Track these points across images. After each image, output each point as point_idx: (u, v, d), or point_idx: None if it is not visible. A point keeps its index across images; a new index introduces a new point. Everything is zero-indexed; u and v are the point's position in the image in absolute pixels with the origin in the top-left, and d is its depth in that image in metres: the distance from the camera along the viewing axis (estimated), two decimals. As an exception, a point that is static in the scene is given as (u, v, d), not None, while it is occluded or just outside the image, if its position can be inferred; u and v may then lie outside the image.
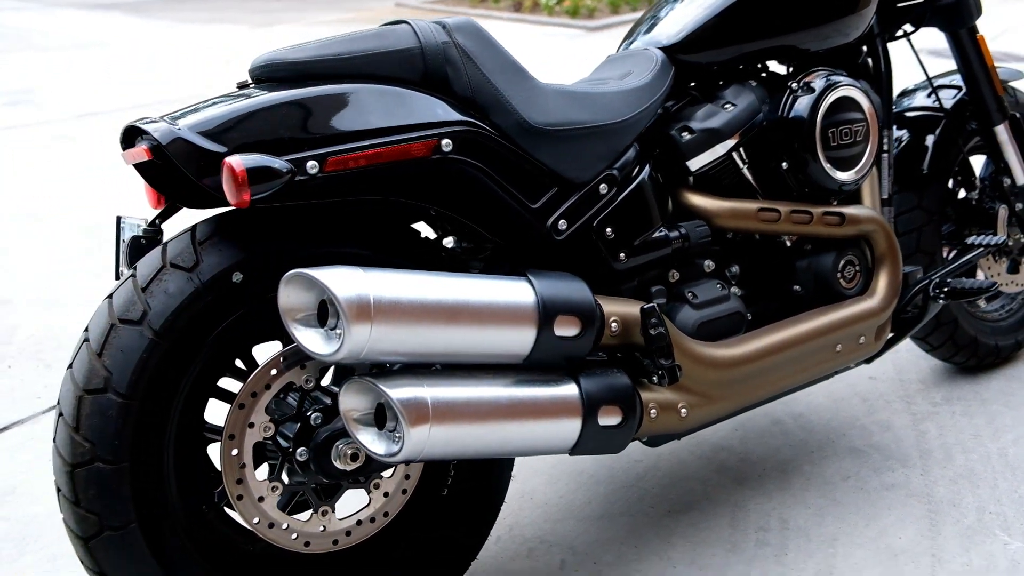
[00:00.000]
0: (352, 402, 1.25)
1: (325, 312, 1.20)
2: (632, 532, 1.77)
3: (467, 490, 1.51)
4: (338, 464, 1.32)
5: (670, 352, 1.40)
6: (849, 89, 1.71)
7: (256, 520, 1.34)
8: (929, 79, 2.09)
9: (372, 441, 1.23)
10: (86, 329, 1.27)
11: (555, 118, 1.45)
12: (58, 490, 1.25)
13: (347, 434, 1.31)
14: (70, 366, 1.26)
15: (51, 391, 2.30)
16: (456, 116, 1.36)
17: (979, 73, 2.04)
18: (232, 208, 1.34)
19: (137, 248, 1.44)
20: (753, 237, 1.73)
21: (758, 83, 1.75)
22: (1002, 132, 2.10)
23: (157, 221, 1.47)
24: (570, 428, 1.34)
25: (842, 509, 1.82)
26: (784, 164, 1.69)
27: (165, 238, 1.36)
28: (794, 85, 1.70)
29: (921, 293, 1.85)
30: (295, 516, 1.38)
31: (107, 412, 1.21)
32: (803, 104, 1.68)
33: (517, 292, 1.31)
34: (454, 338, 1.25)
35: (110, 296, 1.28)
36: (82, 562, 1.26)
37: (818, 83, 1.70)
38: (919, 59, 2.05)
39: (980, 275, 2.15)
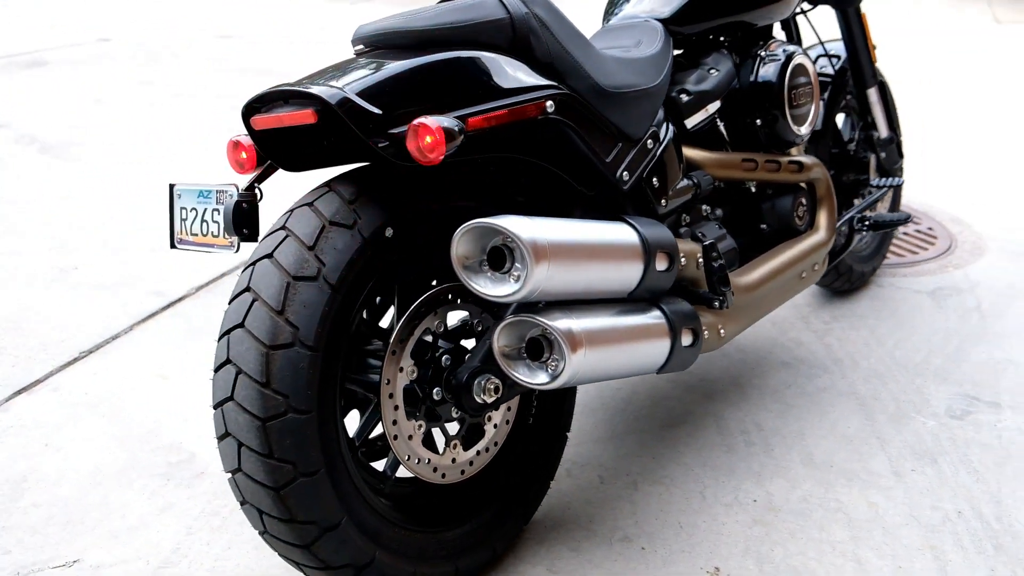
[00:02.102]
0: (506, 339, 1.39)
1: (498, 258, 1.32)
2: (643, 446, 2.03)
3: (546, 418, 1.69)
4: (479, 398, 1.45)
5: (728, 280, 1.66)
6: (801, 57, 2.04)
7: (407, 457, 1.44)
8: (823, 45, 2.49)
9: (528, 372, 1.38)
10: (247, 289, 1.30)
11: (617, 81, 1.64)
12: (239, 446, 1.29)
13: (486, 371, 1.45)
14: (239, 325, 1.29)
15: (7, 379, 2.17)
16: (546, 81, 1.51)
17: (860, 45, 2.47)
18: (354, 167, 1.43)
19: (240, 212, 1.48)
20: (720, 185, 2.02)
21: (727, 52, 2.03)
22: (873, 94, 2.54)
23: (255, 185, 1.51)
24: (663, 348, 1.56)
25: (797, 410, 2.19)
26: (758, 120, 2.00)
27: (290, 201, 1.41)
28: (763, 54, 2.01)
29: (846, 226, 2.24)
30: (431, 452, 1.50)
31: (298, 365, 1.26)
32: (772, 70, 1.99)
33: (627, 233, 1.50)
34: (592, 273, 1.42)
35: (269, 256, 1.31)
36: (262, 513, 1.31)
37: (780, 52, 2.01)
38: (815, 31, 2.44)
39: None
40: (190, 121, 4.56)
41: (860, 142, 2.62)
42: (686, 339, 1.61)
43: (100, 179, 3.63)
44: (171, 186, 1.62)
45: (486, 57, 1.45)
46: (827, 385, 2.30)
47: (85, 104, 4.45)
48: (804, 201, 2.11)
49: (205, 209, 1.57)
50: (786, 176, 2.04)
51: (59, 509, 1.75)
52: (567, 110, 1.52)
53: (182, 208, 1.60)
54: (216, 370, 1.32)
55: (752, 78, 1.99)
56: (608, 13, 2.06)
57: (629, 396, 2.23)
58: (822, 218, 2.14)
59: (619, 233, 1.49)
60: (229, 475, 1.34)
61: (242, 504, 1.34)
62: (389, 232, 1.37)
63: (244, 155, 1.50)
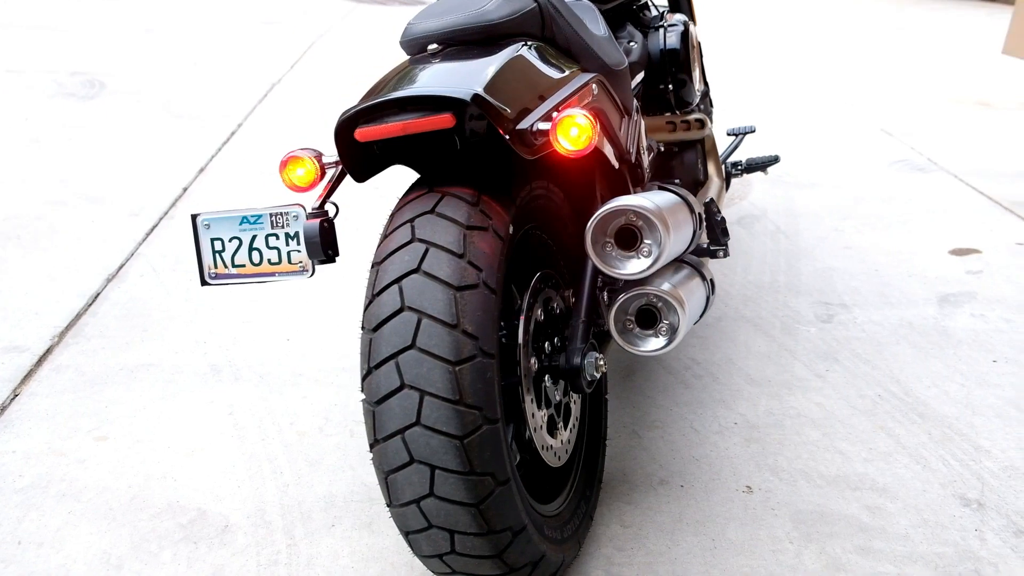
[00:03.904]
0: (620, 315, 1.46)
1: (628, 238, 1.38)
2: (620, 399, 2.18)
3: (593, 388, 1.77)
4: (590, 375, 1.50)
5: (728, 231, 1.84)
6: (690, 25, 2.26)
7: (542, 446, 1.46)
8: (655, 8, 2.73)
9: (646, 339, 1.47)
10: (406, 308, 1.24)
11: (612, 60, 1.73)
12: (432, 470, 1.23)
13: (590, 350, 1.51)
14: (411, 347, 1.22)
15: None
16: (573, 64, 1.57)
17: (685, 8, 2.75)
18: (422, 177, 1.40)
19: (324, 233, 1.39)
20: None
21: (633, 26, 2.19)
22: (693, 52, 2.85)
23: (326, 205, 1.41)
24: (703, 297, 1.71)
25: (713, 340, 2.46)
26: (670, 85, 2.19)
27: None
28: (664, 24, 2.19)
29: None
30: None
31: (485, 375, 1.24)
32: (675, 38, 2.18)
33: (676, 199, 1.62)
34: (680, 240, 1.52)
35: (416, 271, 1.25)
36: (454, 534, 1.27)
37: (676, 22, 2.22)
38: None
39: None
40: None
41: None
42: (710, 288, 1.77)
43: None
44: (193, 217, 1.45)
45: (546, 48, 1.48)
46: (720, 315, 2.60)
47: None
48: (699, 154, 2.35)
49: (254, 236, 1.43)
50: (694, 133, 2.26)
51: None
52: (601, 90, 1.59)
53: (215, 239, 1.44)
54: (380, 401, 1.24)
55: (661, 47, 2.17)
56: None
57: (573, 357, 2.35)
58: (712, 167, 2.40)
59: (673, 199, 1.61)
60: (404, 506, 1.27)
61: (420, 532, 1.29)
62: (511, 229, 1.37)
63: (302, 171, 1.40)
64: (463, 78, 1.29)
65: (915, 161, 4.22)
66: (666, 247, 1.37)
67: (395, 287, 1.26)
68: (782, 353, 2.40)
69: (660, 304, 1.46)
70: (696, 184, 2.31)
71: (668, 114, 2.21)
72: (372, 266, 1.31)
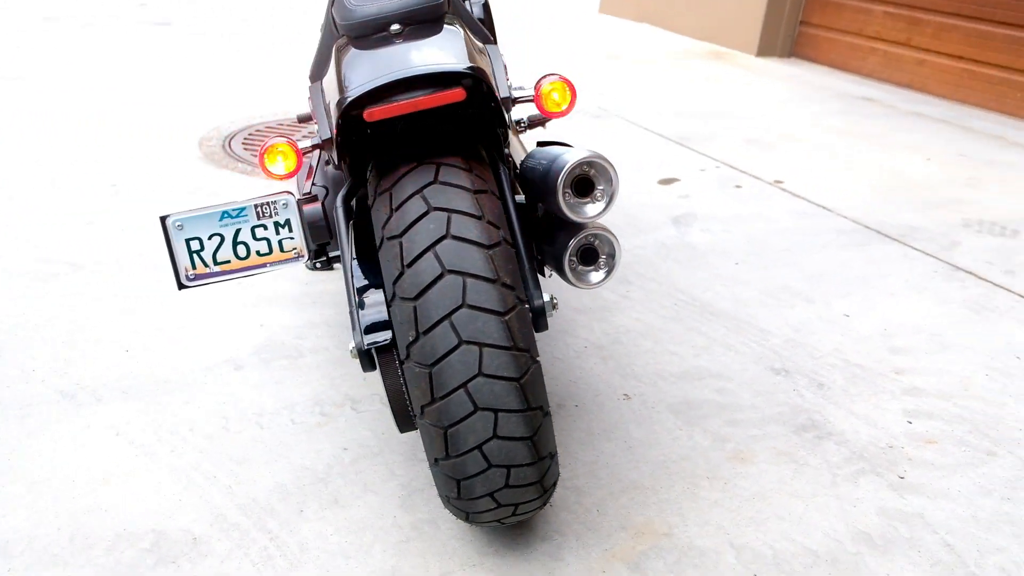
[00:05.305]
0: (571, 254, 1.66)
1: (584, 187, 1.57)
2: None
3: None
4: (549, 313, 1.68)
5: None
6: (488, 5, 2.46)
7: (528, 386, 1.62)
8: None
9: (594, 274, 1.69)
10: (447, 272, 1.33)
11: (487, 33, 1.89)
12: (496, 413, 1.35)
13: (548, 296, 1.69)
14: (461, 306, 1.32)
15: None
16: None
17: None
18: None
19: (327, 217, 1.43)
20: None
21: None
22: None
23: (316, 185, 1.44)
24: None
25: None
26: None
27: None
28: (475, 9, 2.36)
29: (511, 132, 2.77)
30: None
31: (526, 319, 1.38)
32: (480, 10, 2.37)
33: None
34: None
35: (446, 236, 1.35)
36: (510, 468, 1.40)
37: (479, 5, 2.40)
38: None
39: None
40: None
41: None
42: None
43: None
44: (163, 219, 1.38)
45: (464, 24, 1.61)
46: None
47: None
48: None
49: (238, 230, 1.41)
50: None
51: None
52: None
53: (190, 239, 1.40)
54: (437, 362, 1.33)
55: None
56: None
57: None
58: (515, 140, 2.64)
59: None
60: (464, 454, 1.37)
61: (478, 475, 1.40)
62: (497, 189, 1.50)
63: (285, 160, 1.41)
64: (451, 55, 1.39)
65: (589, 110, 4.80)
66: (617, 189, 1.60)
67: (430, 254, 1.34)
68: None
69: (597, 241, 1.68)
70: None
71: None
72: (389, 239, 1.37)
